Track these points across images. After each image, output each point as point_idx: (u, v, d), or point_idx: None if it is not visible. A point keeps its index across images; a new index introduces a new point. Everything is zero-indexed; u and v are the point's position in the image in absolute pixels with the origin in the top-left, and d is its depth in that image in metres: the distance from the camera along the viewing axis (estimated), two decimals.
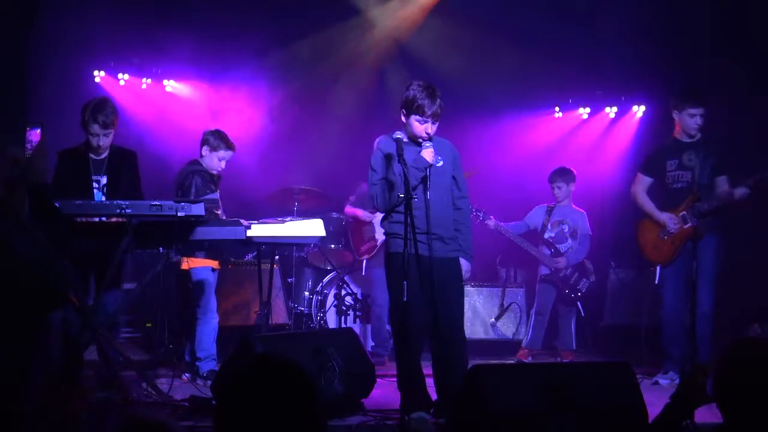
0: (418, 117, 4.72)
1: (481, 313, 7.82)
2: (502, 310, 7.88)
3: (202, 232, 5.09)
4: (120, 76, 8.57)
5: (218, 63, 8.61)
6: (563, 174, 7.35)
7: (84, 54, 8.18)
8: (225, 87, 8.73)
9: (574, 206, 7.41)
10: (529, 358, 7.20)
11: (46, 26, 7.22)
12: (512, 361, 7.16)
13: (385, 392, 5.21)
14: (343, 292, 7.50)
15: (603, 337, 7.88)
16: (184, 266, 6.05)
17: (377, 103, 8.67)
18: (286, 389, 1.95)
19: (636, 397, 3.92)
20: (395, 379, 4.82)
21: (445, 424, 4.44)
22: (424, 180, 4.68)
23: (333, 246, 7.69)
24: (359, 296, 7.59)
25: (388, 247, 4.84)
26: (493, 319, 7.84)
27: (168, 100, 8.80)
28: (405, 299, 4.34)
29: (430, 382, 4.83)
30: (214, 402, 2.51)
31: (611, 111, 9.08)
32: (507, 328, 7.85)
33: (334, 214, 7.73)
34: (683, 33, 7.78)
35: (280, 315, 7.39)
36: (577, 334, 7.38)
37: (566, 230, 7.32)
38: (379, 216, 7.20)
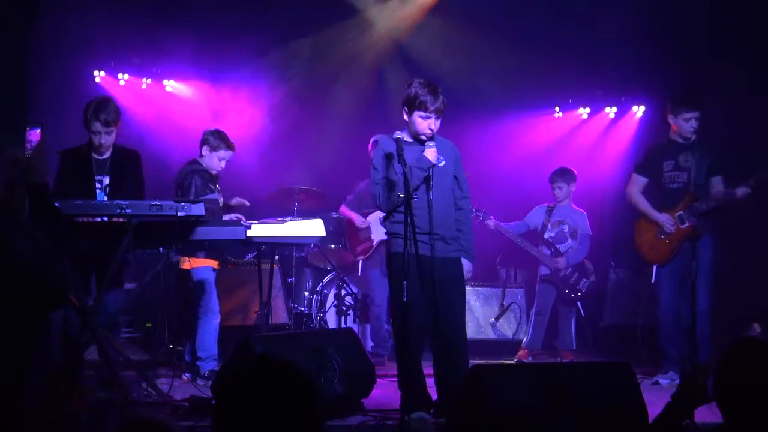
0: (421, 113, 4.71)
1: (481, 313, 7.82)
2: (502, 310, 7.87)
3: (202, 232, 5.08)
4: (120, 76, 8.57)
5: (218, 63, 8.61)
6: (564, 174, 7.35)
7: (84, 54, 8.18)
8: (225, 87, 8.73)
9: (574, 206, 7.41)
10: (529, 358, 7.20)
11: (46, 26, 7.22)
12: (512, 361, 7.16)
13: (385, 392, 5.21)
14: (343, 292, 7.50)
15: (603, 337, 7.88)
16: (185, 266, 6.05)
17: (377, 103, 8.67)
18: (285, 390, 1.95)
19: (636, 397, 3.92)
20: (395, 379, 4.82)
21: (445, 424, 4.44)
22: (427, 180, 4.68)
23: (333, 246, 7.69)
24: (359, 296, 7.58)
25: (389, 247, 4.84)
26: (493, 319, 7.84)
27: (168, 100, 8.80)
28: (405, 299, 4.34)
29: (430, 381, 4.83)
30: (214, 402, 2.51)
31: (611, 111, 9.08)
32: (507, 328, 7.85)
33: (334, 214, 7.73)
34: (683, 33, 7.78)
35: (280, 315, 7.39)
36: (577, 334, 7.38)
37: (566, 230, 7.32)
38: (374, 217, 7.23)
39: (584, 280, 7.23)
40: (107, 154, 5.42)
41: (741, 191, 5.91)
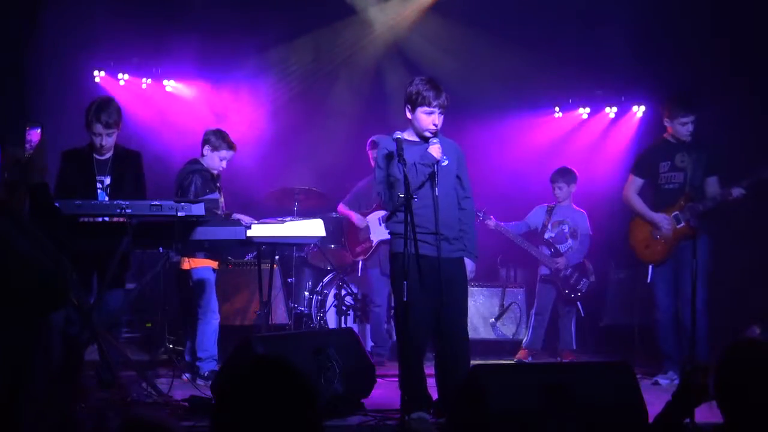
0: (425, 108, 4.70)
1: (481, 313, 7.82)
2: (502, 310, 7.88)
3: (202, 232, 5.08)
4: (120, 76, 8.57)
5: (218, 63, 8.61)
6: (565, 174, 7.36)
7: (84, 54, 8.18)
8: (224, 87, 8.74)
9: (574, 206, 7.42)
10: (529, 358, 7.20)
11: (46, 26, 7.23)
12: (512, 361, 7.17)
13: (385, 392, 5.21)
14: (343, 292, 7.50)
15: (603, 337, 7.88)
16: (185, 266, 6.05)
17: (376, 103, 8.68)
18: (283, 390, 1.95)
19: (636, 397, 3.92)
20: (395, 379, 4.82)
21: (445, 424, 4.44)
22: (431, 177, 4.68)
23: (333, 246, 7.68)
24: (359, 296, 7.58)
25: (391, 247, 4.84)
26: (493, 319, 7.84)
27: (168, 100, 8.80)
28: (405, 299, 4.34)
29: (431, 382, 4.83)
30: (213, 402, 2.51)
31: (611, 111, 9.08)
32: (507, 328, 7.85)
33: (334, 214, 7.72)
34: (683, 33, 7.78)
35: (280, 315, 7.39)
36: (577, 334, 7.38)
37: (566, 230, 7.32)
38: (374, 217, 7.23)
39: (584, 280, 7.23)
40: (109, 155, 5.43)
41: (736, 191, 5.96)
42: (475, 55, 8.55)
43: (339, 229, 7.74)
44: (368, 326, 7.49)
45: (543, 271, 7.32)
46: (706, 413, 2.72)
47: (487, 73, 8.48)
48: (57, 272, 2.68)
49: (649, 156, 6.39)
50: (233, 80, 8.68)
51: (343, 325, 7.37)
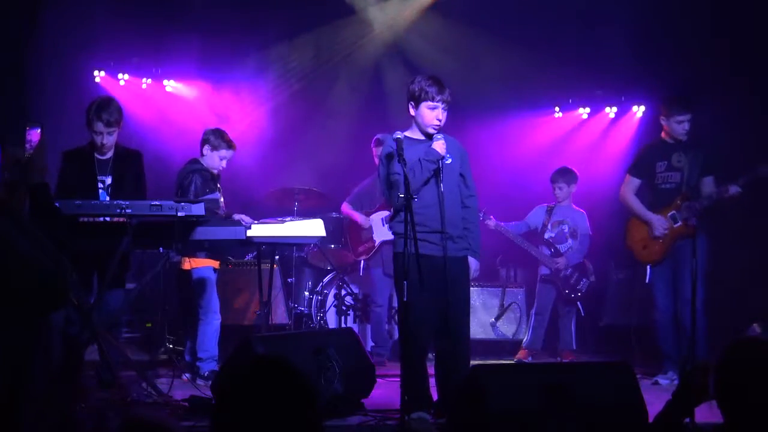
0: (428, 103, 4.70)
1: (481, 313, 7.82)
2: (502, 310, 7.88)
3: (202, 232, 5.08)
4: (120, 76, 8.57)
5: (217, 62, 8.62)
6: (565, 174, 7.37)
7: (84, 54, 8.18)
8: (224, 87, 8.74)
9: (574, 206, 7.42)
10: (529, 358, 7.20)
11: (46, 26, 7.23)
12: (512, 361, 7.17)
13: (385, 392, 5.20)
14: (343, 292, 7.50)
15: (603, 337, 7.88)
16: (186, 266, 6.04)
17: (376, 103, 8.68)
18: (282, 390, 1.95)
19: (636, 397, 3.92)
20: (395, 379, 4.82)
21: (445, 424, 4.44)
22: (436, 173, 4.68)
23: (333, 246, 7.68)
24: (359, 296, 7.59)
25: (394, 246, 4.84)
26: (493, 319, 7.84)
27: (168, 100, 8.80)
28: (405, 299, 4.33)
29: (431, 382, 4.83)
30: (214, 402, 2.52)
31: (611, 111, 9.08)
32: (507, 328, 7.84)
33: (334, 214, 7.72)
34: (683, 33, 7.78)
35: (280, 315, 7.39)
36: (577, 334, 7.38)
37: (566, 230, 7.33)
38: (376, 217, 7.23)
39: (584, 280, 7.23)
40: (109, 154, 5.43)
41: (733, 189, 5.97)
42: (475, 55, 8.55)
43: (339, 229, 7.74)
44: (369, 326, 7.49)
45: (543, 271, 7.32)
46: (706, 413, 2.72)
47: (487, 73, 8.48)
48: (57, 272, 2.68)
49: (645, 156, 6.40)
50: (233, 80, 8.68)
51: (343, 325, 7.37)
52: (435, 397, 4.80)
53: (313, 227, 5.94)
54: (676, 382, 5.89)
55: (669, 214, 6.18)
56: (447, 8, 8.54)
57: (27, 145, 3.78)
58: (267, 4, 8.40)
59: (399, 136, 4.61)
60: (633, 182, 6.40)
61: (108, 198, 5.31)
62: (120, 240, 4.81)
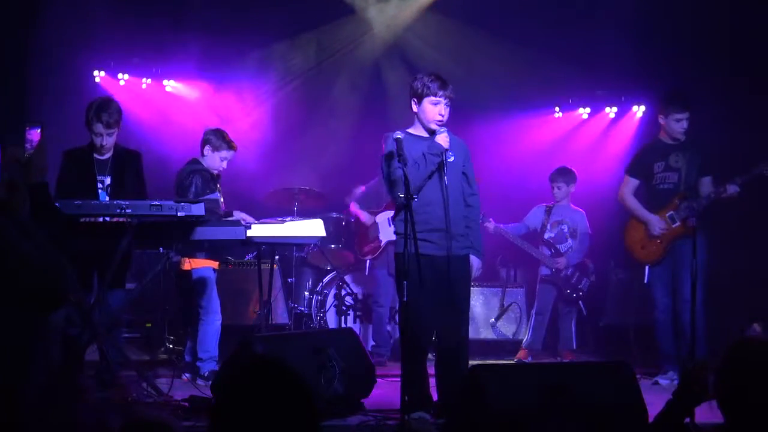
0: (431, 98, 4.70)
1: (481, 313, 7.82)
2: (502, 310, 7.87)
3: (202, 232, 5.08)
4: (120, 76, 8.57)
5: (217, 63, 8.61)
6: (564, 174, 7.37)
7: (84, 54, 8.17)
8: (224, 87, 8.74)
9: (572, 206, 7.43)
10: (529, 358, 7.20)
11: (46, 26, 7.23)
12: (512, 361, 7.17)
13: (385, 392, 5.20)
14: (343, 292, 7.50)
15: (603, 337, 7.87)
16: (186, 267, 6.04)
17: (376, 103, 8.68)
18: (280, 390, 1.95)
19: (636, 397, 3.92)
20: (395, 379, 4.82)
21: (445, 424, 4.44)
22: (440, 168, 4.68)
23: (333, 246, 7.69)
24: (359, 296, 7.59)
25: (395, 246, 4.84)
26: (493, 319, 7.84)
27: (168, 100, 8.80)
28: (405, 299, 4.33)
29: (432, 381, 4.83)
30: (213, 402, 2.52)
31: (611, 111, 9.08)
32: (507, 328, 7.84)
33: (334, 214, 7.73)
34: (683, 33, 7.78)
35: (280, 315, 7.39)
36: (577, 334, 7.39)
37: (565, 230, 7.33)
38: (382, 217, 7.23)
39: (585, 279, 7.24)
40: (109, 155, 5.43)
41: (731, 188, 5.97)
42: (475, 54, 8.55)
43: (339, 229, 7.75)
44: (369, 326, 7.49)
45: (543, 271, 7.32)
46: (706, 413, 2.71)
47: (487, 73, 8.48)
48: (57, 272, 2.68)
49: (643, 156, 6.41)
50: (232, 80, 8.68)
51: (343, 325, 7.37)
52: (435, 397, 4.80)
53: (313, 227, 5.94)
54: (676, 382, 5.89)
55: (667, 214, 6.19)
56: (447, 8, 8.54)
57: (28, 145, 3.78)
58: (267, 4, 8.40)
59: (399, 136, 4.62)
60: (631, 182, 6.41)
61: (107, 198, 5.31)
62: (120, 240, 4.81)
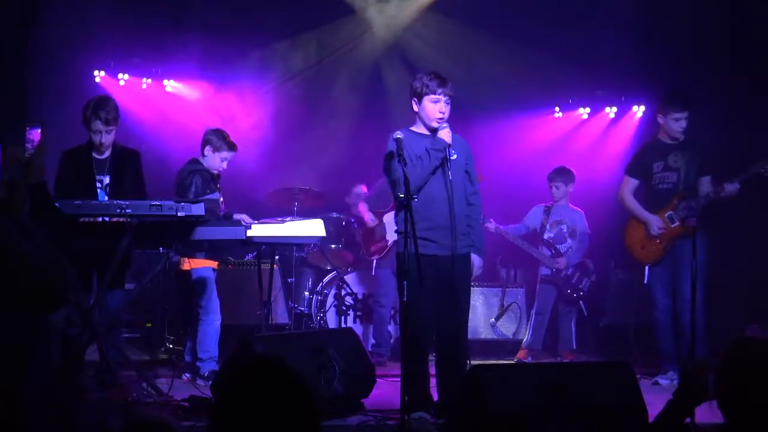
0: (431, 96, 4.72)
1: (481, 313, 7.82)
2: (502, 310, 7.87)
3: (202, 232, 5.08)
4: (120, 76, 8.57)
5: (217, 63, 8.61)
6: (563, 174, 7.37)
7: (84, 54, 8.17)
8: (224, 87, 8.74)
9: (571, 206, 7.43)
10: (529, 358, 7.20)
11: (46, 26, 7.23)
12: (512, 361, 7.17)
13: (385, 392, 5.20)
14: (343, 292, 7.50)
15: (603, 337, 7.87)
16: (185, 267, 6.03)
17: (376, 103, 8.68)
18: (279, 390, 1.95)
19: (636, 397, 3.92)
20: (395, 379, 4.82)
21: (445, 424, 4.44)
22: (443, 162, 4.68)
23: (333, 246, 7.69)
24: (359, 296, 7.59)
25: (397, 246, 4.84)
26: (493, 319, 7.84)
27: (168, 100, 8.80)
28: (405, 299, 4.33)
29: (432, 382, 4.82)
30: (213, 402, 2.52)
31: (611, 111, 9.09)
32: (507, 328, 7.84)
33: (334, 214, 7.73)
34: (683, 33, 7.78)
35: (280, 315, 7.39)
36: (577, 334, 7.39)
37: (565, 230, 7.33)
38: (389, 217, 7.22)
39: (586, 279, 7.24)
40: (107, 154, 5.42)
41: (729, 187, 5.96)
42: (475, 54, 8.55)
43: (339, 229, 7.75)
44: (370, 326, 7.49)
45: (543, 271, 7.32)
46: (706, 413, 2.71)
47: (487, 73, 8.48)
48: (57, 272, 2.68)
49: (642, 156, 6.41)
50: (232, 80, 8.68)
51: (343, 325, 7.37)
52: (435, 397, 4.80)
53: (313, 227, 5.95)
54: (676, 382, 5.89)
55: (666, 214, 6.19)
56: (447, 8, 8.54)
57: (29, 145, 3.78)
58: (267, 4, 8.40)
59: (399, 136, 4.62)
60: (631, 183, 6.41)
61: (106, 198, 5.31)
62: (120, 240, 4.81)
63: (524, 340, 7.36)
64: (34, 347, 2.80)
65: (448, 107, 4.76)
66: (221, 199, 5.99)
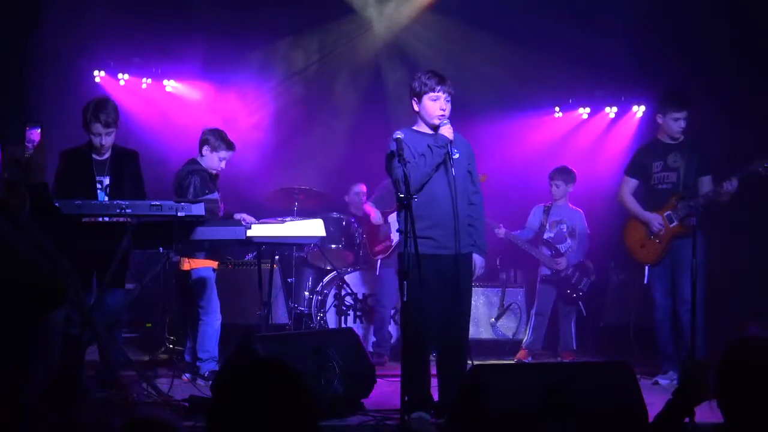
0: (430, 95, 4.72)
1: (481, 313, 7.82)
2: (502, 310, 7.87)
3: (202, 232, 5.08)
4: (120, 76, 8.57)
5: (217, 63, 8.62)
6: (564, 173, 7.38)
7: (84, 54, 8.18)
8: (224, 87, 8.74)
9: (570, 205, 7.43)
10: (529, 358, 7.20)
11: (46, 26, 7.23)
12: (512, 361, 7.17)
13: (385, 392, 5.21)
14: (343, 292, 7.50)
15: (603, 337, 7.88)
16: (185, 267, 6.03)
17: (376, 103, 8.68)
18: (278, 390, 1.95)
19: (636, 397, 3.92)
20: (395, 379, 4.82)
21: (445, 424, 4.44)
22: (446, 157, 4.68)
23: (333, 246, 7.69)
24: (359, 296, 7.58)
25: (398, 246, 4.84)
26: (493, 319, 7.84)
27: (168, 100, 8.81)
28: (405, 299, 4.33)
29: (433, 382, 4.82)
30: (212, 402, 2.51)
31: (611, 111, 9.09)
32: (507, 328, 7.84)
33: (334, 214, 7.73)
34: (683, 33, 7.78)
35: (280, 315, 7.39)
36: (577, 334, 7.39)
37: (565, 230, 7.33)
38: (394, 217, 7.22)
39: (586, 279, 7.24)
40: (107, 155, 5.42)
41: (728, 185, 5.94)
42: (475, 55, 8.55)
43: (339, 229, 7.75)
44: (370, 326, 7.49)
45: (544, 271, 7.32)
46: (706, 413, 2.71)
47: (487, 73, 8.48)
48: (57, 272, 2.68)
49: (641, 156, 6.41)
50: (233, 80, 8.68)
51: (343, 325, 7.37)
52: (435, 397, 4.79)
53: (313, 227, 5.94)
54: (676, 382, 5.90)
55: (665, 214, 6.18)
56: (446, 8, 8.54)
57: (29, 145, 3.78)
58: (267, 5, 8.40)
59: (399, 136, 4.63)
60: (630, 183, 6.41)
61: (106, 198, 5.31)
62: (120, 240, 4.81)
63: (524, 340, 7.36)
64: (34, 347, 2.80)
65: (449, 105, 4.76)
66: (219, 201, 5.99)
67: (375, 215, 7.34)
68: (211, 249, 6.01)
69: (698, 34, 7.63)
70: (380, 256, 7.38)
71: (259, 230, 5.68)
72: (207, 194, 5.78)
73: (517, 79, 8.55)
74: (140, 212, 4.79)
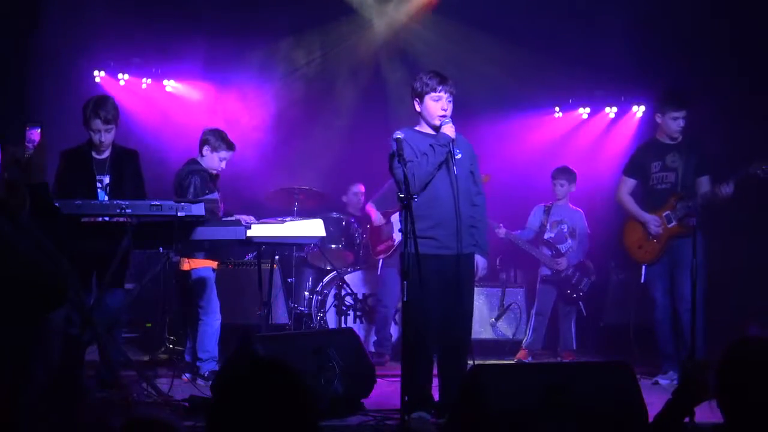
0: (432, 95, 4.72)
1: (481, 313, 7.81)
2: (502, 310, 7.87)
3: (202, 232, 5.08)
4: (120, 76, 8.58)
5: (217, 63, 8.62)
6: (567, 173, 7.38)
7: (84, 54, 8.18)
8: (223, 87, 8.74)
9: (571, 205, 7.43)
10: (529, 358, 7.20)
11: (46, 26, 7.23)
12: (512, 361, 7.17)
13: (385, 392, 5.21)
14: (343, 292, 7.50)
15: (603, 337, 7.88)
16: (185, 267, 6.03)
17: (376, 104, 8.68)
18: (278, 390, 1.95)
19: (636, 397, 3.92)
20: (395, 379, 4.82)
21: (445, 424, 4.44)
22: (448, 156, 4.68)
23: (333, 246, 7.69)
24: (359, 296, 7.58)
25: (400, 246, 4.84)
26: (493, 319, 7.84)
27: (168, 100, 8.81)
28: (405, 299, 4.33)
29: (434, 382, 4.82)
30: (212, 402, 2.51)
31: (611, 111, 9.09)
32: (507, 328, 7.84)
33: (334, 214, 7.73)
34: (683, 33, 7.78)
35: (280, 315, 7.39)
36: (577, 334, 7.39)
37: (565, 230, 7.33)
38: (396, 217, 7.22)
39: (586, 279, 7.24)
40: (107, 153, 5.42)
41: (725, 189, 5.93)
42: (475, 55, 8.55)
43: (339, 229, 7.75)
44: (372, 326, 7.49)
45: (544, 271, 7.32)
46: (706, 413, 2.71)
47: (487, 74, 8.48)
48: (57, 272, 2.68)
49: (639, 156, 6.41)
50: (233, 81, 8.68)
51: (343, 325, 7.37)
52: (436, 397, 4.79)
53: (313, 227, 5.94)
54: (676, 382, 5.90)
55: (663, 214, 6.18)
56: (446, 8, 8.54)
57: (29, 145, 3.78)
58: (267, 5, 8.40)
59: (399, 136, 4.63)
60: (628, 183, 6.41)
61: (107, 198, 5.31)
62: (120, 240, 4.81)
63: (524, 340, 7.37)
64: (34, 347, 2.80)
65: (451, 104, 4.77)
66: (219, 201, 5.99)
67: (375, 216, 7.34)
68: (211, 249, 6.01)
69: (698, 34, 7.62)
70: (382, 256, 7.38)
71: (259, 230, 5.67)
72: (207, 194, 5.78)
73: (517, 80, 8.55)
74: (140, 212, 4.79)
